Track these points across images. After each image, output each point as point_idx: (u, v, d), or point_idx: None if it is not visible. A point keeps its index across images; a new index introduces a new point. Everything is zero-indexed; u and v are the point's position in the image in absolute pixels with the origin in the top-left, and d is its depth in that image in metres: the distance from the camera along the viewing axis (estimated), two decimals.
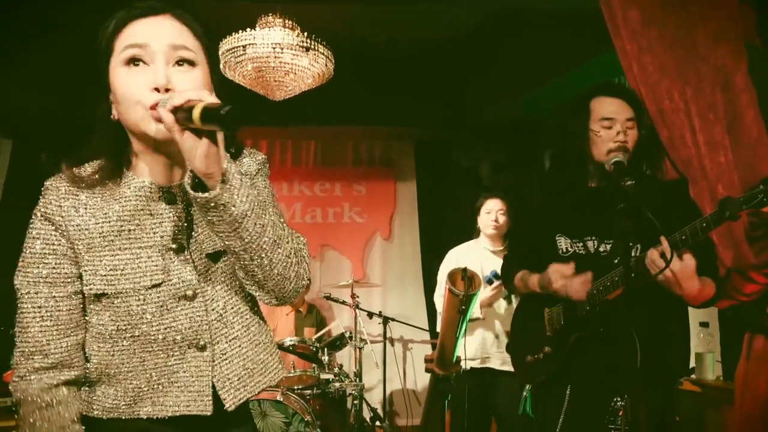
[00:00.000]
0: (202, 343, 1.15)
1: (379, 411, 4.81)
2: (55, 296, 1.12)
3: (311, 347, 4.13)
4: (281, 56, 3.48)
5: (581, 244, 1.96)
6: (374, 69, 4.81)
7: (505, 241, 3.47)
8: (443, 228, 5.33)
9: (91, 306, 1.14)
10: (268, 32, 3.49)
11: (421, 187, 5.63)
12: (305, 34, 3.53)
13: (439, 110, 5.06)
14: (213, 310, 1.17)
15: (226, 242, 1.07)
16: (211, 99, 0.96)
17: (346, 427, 4.16)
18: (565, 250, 1.98)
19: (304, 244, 1.20)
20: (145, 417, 1.13)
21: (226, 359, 1.18)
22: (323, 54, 3.58)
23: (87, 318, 1.15)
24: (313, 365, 4.02)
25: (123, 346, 1.12)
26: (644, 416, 1.75)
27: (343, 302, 4.53)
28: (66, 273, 1.12)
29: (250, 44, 3.48)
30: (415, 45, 4.49)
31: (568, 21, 3.50)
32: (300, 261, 1.16)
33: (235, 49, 3.49)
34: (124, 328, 1.11)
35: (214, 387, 1.17)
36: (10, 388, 1.13)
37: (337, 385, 4.01)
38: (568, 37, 3.73)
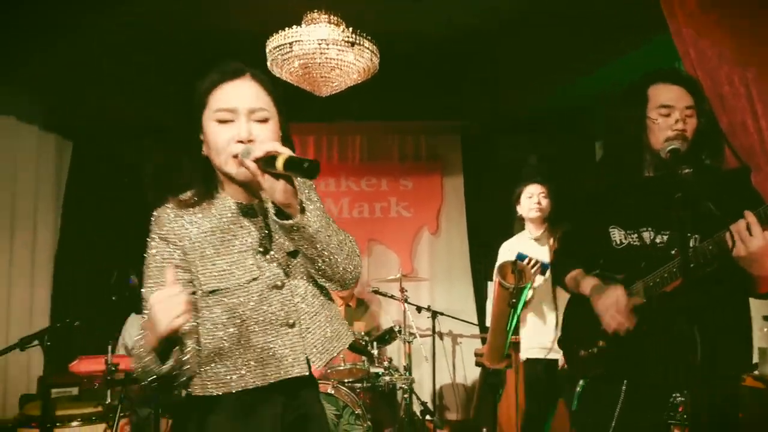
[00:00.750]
0: (291, 321, 1.44)
1: (429, 405, 4.81)
2: None
3: (361, 341, 4.16)
4: (327, 52, 3.50)
5: (636, 235, 1.91)
6: (419, 62, 4.78)
7: (544, 224, 3.42)
8: (490, 221, 5.28)
9: (203, 303, 1.40)
10: (314, 28, 3.52)
11: (468, 181, 5.58)
12: (350, 29, 3.55)
13: (484, 103, 5.00)
14: (297, 294, 1.46)
15: (304, 251, 1.38)
16: (285, 150, 1.26)
17: (397, 420, 4.18)
18: (619, 242, 1.94)
19: (354, 242, 1.51)
20: (251, 387, 1.39)
21: (310, 332, 1.47)
22: (368, 49, 3.59)
23: (199, 313, 1.40)
24: (363, 358, 4.05)
25: (232, 331, 1.40)
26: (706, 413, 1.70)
27: (392, 296, 4.54)
28: (181, 279, 1.38)
29: (296, 41, 3.51)
30: (459, 36, 4.44)
31: (614, 8, 3.40)
32: (355, 255, 1.48)
33: (282, 47, 3.53)
34: (234, 315, 1.39)
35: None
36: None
37: (387, 378, 4.03)
38: (614, 25, 3.63)
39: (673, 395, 1.73)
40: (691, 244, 1.79)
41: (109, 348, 2.41)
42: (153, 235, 1.42)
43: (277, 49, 3.55)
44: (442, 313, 4.83)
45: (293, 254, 1.46)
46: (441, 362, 5.06)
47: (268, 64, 3.67)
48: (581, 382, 2.05)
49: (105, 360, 2.38)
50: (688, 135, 1.82)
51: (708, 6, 2.18)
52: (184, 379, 1.38)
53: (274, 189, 1.28)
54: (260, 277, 1.41)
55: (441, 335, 5.30)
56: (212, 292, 1.39)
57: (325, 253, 1.38)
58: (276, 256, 1.45)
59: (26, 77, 4.11)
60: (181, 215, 1.42)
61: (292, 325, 1.43)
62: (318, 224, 1.34)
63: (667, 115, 1.82)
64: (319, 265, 1.40)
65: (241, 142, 1.36)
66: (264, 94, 1.43)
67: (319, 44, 3.47)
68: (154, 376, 1.31)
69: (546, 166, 4.70)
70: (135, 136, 4.75)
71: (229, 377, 1.39)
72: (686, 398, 1.68)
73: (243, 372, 1.39)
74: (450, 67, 4.82)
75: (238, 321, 1.39)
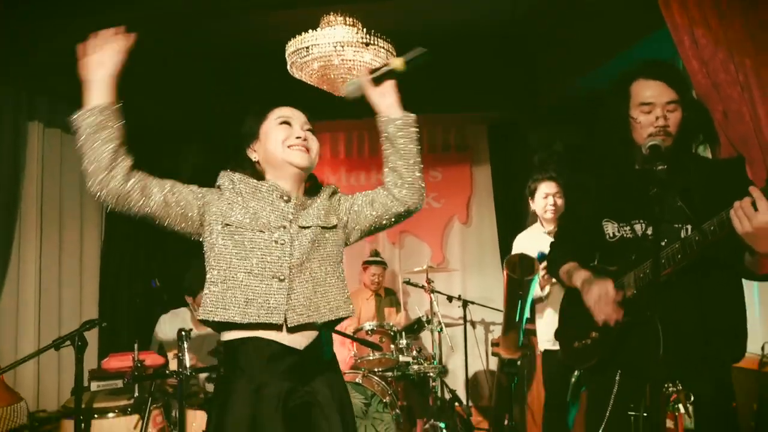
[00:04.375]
0: (282, 277, 1.67)
1: (462, 393, 4.90)
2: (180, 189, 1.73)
3: (389, 331, 4.28)
4: (343, 54, 3.60)
5: (629, 227, 1.94)
6: (443, 55, 4.80)
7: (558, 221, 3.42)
8: (519, 210, 5.28)
9: (221, 233, 1.68)
10: (330, 31, 3.62)
11: (496, 170, 5.59)
12: (365, 30, 3.63)
13: (510, 92, 5.00)
14: (295, 257, 1.69)
15: (409, 146, 1.79)
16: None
17: (428, 408, 4.28)
18: (612, 235, 1.96)
19: None
20: (228, 320, 1.62)
21: (294, 292, 1.67)
22: (383, 48, 3.66)
23: (215, 241, 1.69)
24: (392, 348, 4.17)
25: (233, 263, 1.65)
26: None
27: (422, 287, 4.62)
28: (198, 194, 1.73)
29: (313, 45, 3.62)
30: (482, 26, 4.46)
31: None
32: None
33: (300, 51, 3.65)
34: (237, 251, 1.66)
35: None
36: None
37: (416, 367, 4.13)
38: (637, 7, 3.57)
39: (666, 385, 1.76)
40: (682, 235, 1.81)
41: (135, 345, 2.59)
42: (217, 182, 1.80)
43: (296, 53, 3.67)
44: (472, 302, 4.89)
45: (306, 228, 1.74)
46: (474, 350, 5.12)
47: (288, 67, 3.80)
48: (576, 372, 2.09)
49: (132, 357, 2.57)
50: (671, 130, 1.82)
51: None
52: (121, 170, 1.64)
53: (383, 93, 1.79)
54: (268, 230, 1.69)
55: (473, 324, 5.36)
56: (227, 224, 1.68)
57: (415, 151, 1.79)
58: (289, 229, 1.72)
59: (69, 90, 4.37)
60: (235, 174, 1.78)
61: (282, 280, 1.66)
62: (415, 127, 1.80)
63: (648, 112, 1.82)
64: (409, 164, 1.79)
65: (299, 138, 1.77)
66: (306, 120, 1.85)
67: (335, 47, 3.57)
68: (84, 127, 1.61)
69: (568, 155, 4.66)
70: (172, 140, 4.98)
71: (215, 306, 1.64)
72: (679, 389, 1.72)
73: (228, 305, 1.63)
74: (473, 57, 4.85)
75: (240, 258, 1.66)
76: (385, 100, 1.79)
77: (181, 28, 3.97)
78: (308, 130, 1.83)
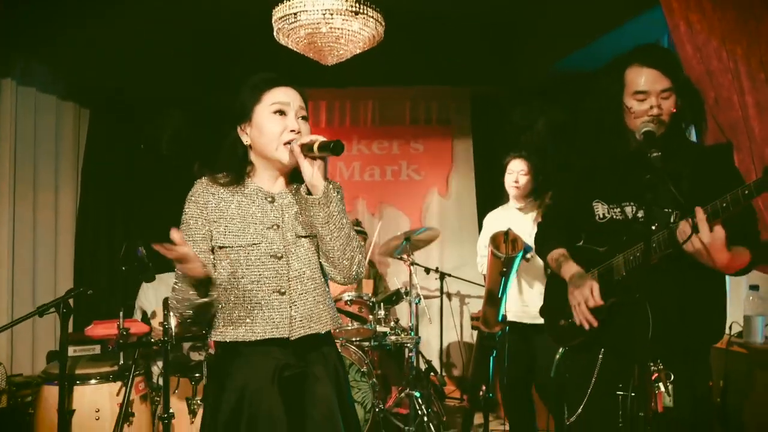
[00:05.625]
0: (282, 290, 1.70)
1: (436, 363, 4.99)
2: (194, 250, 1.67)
3: (368, 302, 4.31)
4: (332, 22, 3.53)
5: (619, 209, 1.96)
6: (430, 27, 4.78)
7: (528, 199, 3.45)
8: (499, 184, 5.32)
9: (216, 257, 1.72)
10: None
11: (477, 145, 5.62)
12: None
13: (494, 67, 4.99)
14: (293, 269, 1.72)
15: (320, 230, 1.68)
16: (322, 139, 1.63)
17: (403, 377, 4.36)
18: (602, 216, 1.99)
19: (362, 246, 1.84)
20: (240, 340, 1.66)
21: (296, 305, 1.71)
22: (372, 17, 3.60)
23: (214, 265, 1.72)
24: (370, 318, 4.21)
25: (232, 284, 1.69)
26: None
27: (401, 258, 4.65)
28: (202, 234, 1.72)
29: (301, 11, 3.54)
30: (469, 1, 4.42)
31: None
32: (361, 252, 1.77)
33: (288, 17, 3.56)
34: (234, 271, 1.69)
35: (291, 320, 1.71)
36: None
37: (393, 338, 4.18)
38: None
39: (648, 365, 1.81)
40: (671, 219, 1.84)
41: (121, 313, 2.56)
42: (189, 197, 1.76)
43: (283, 19, 3.59)
44: (449, 275, 4.95)
45: (300, 236, 1.74)
46: (449, 321, 5.21)
47: (274, 33, 3.71)
48: (560, 350, 2.13)
49: (117, 324, 2.55)
50: (664, 118, 1.84)
51: None
52: (211, 315, 1.71)
53: (310, 171, 1.64)
54: (261, 243, 1.70)
55: (449, 296, 5.44)
56: (220, 247, 1.70)
57: (335, 235, 1.68)
58: (286, 234, 1.73)
59: (46, 49, 4.22)
60: (212, 186, 1.74)
61: (283, 294, 1.69)
62: (336, 208, 1.67)
63: (643, 100, 1.84)
64: (328, 246, 1.70)
65: (293, 131, 1.70)
66: (302, 100, 1.78)
67: (323, 14, 3.50)
68: (192, 312, 1.65)
69: (543, 133, 4.67)
70: (149, 101, 4.87)
71: (225, 327, 1.69)
72: (658, 368, 1.77)
73: (235, 324, 1.68)
74: (460, 31, 4.81)
75: (238, 277, 1.68)
76: (311, 176, 1.65)
77: None
78: (302, 117, 1.76)
